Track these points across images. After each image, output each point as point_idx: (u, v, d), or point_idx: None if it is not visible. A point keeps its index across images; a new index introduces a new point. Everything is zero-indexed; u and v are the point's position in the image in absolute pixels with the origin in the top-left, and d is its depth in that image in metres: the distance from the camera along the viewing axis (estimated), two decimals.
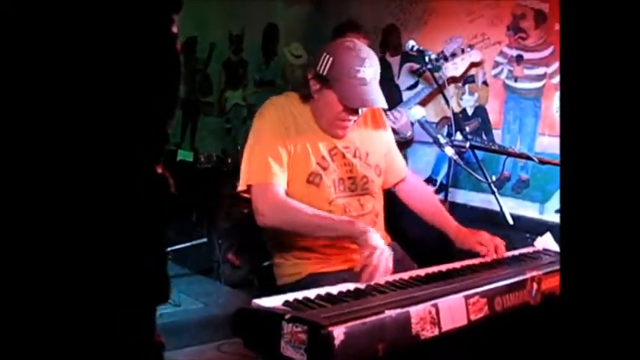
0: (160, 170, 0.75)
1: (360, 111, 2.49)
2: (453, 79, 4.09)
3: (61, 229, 0.71)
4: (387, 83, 4.34)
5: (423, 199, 2.87)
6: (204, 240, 5.01)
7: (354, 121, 2.53)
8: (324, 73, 2.43)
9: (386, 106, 2.54)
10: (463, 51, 4.01)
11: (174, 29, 0.74)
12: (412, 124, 3.93)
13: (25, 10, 0.66)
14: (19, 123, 0.69)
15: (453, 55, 4.01)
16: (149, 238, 0.77)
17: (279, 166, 2.42)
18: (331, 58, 2.43)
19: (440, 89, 3.96)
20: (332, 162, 2.53)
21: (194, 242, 4.97)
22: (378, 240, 2.17)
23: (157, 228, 0.78)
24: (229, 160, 5.26)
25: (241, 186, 2.48)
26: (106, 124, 0.71)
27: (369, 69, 2.41)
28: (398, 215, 2.90)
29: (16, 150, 0.68)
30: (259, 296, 1.78)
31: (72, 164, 0.70)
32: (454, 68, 3.97)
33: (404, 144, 4.15)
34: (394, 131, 3.91)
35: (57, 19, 0.67)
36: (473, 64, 4.03)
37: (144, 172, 0.75)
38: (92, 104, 0.70)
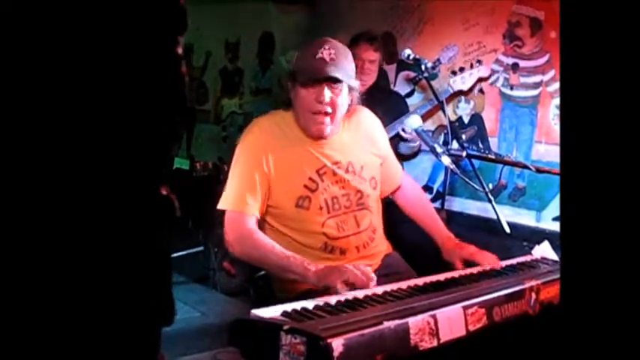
0: (164, 192, 0.75)
1: (326, 96, 2.38)
2: (460, 93, 4.11)
3: (65, 249, 0.70)
4: (387, 92, 4.35)
5: (417, 204, 2.84)
6: (201, 248, 5.00)
7: (330, 116, 2.43)
8: (291, 68, 2.49)
9: (354, 84, 2.47)
10: (472, 66, 4.03)
11: (180, 50, 0.74)
12: None
13: (33, 28, 0.66)
14: (19, 138, 0.68)
15: (462, 69, 4.02)
16: (153, 259, 0.76)
17: (252, 196, 2.41)
18: (296, 54, 2.51)
19: (442, 105, 3.97)
20: (321, 182, 2.47)
21: (190, 250, 4.96)
22: (336, 273, 2.11)
23: (161, 249, 0.77)
24: (225, 168, 5.24)
25: (219, 205, 2.48)
26: (110, 145, 0.71)
27: (328, 51, 2.39)
28: (396, 224, 2.89)
29: (17, 168, 0.67)
30: (255, 305, 1.77)
31: (76, 187, 0.70)
32: (462, 82, 3.99)
33: (411, 155, 4.17)
34: (406, 141, 3.93)
35: (63, 39, 0.66)
36: (480, 79, 4.04)
37: (148, 194, 0.74)
38: (96, 125, 0.70)
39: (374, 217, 2.61)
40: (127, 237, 0.74)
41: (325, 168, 2.49)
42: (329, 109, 2.41)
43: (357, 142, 2.62)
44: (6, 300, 0.69)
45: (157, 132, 0.74)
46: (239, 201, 2.41)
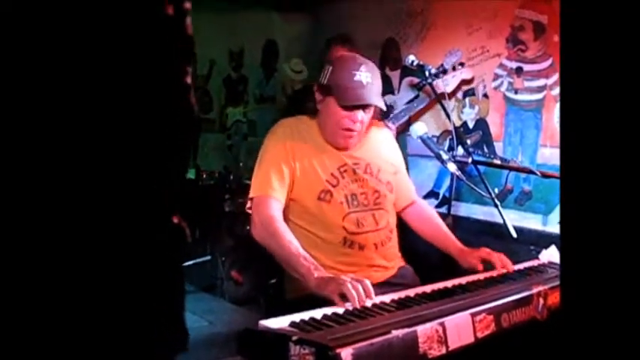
0: (176, 220, 0.75)
1: (360, 116, 2.51)
2: (443, 96, 4.10)
3: (79, 279, 0.70)
4: None
5: (427, 221, 2.89)
6: (208, 257, 5.00)
7: (359, 132, 2.56)
8: (325, 81, 2.56)
9: (384, 107, 2.60)
10: (454, 68, 4.04)
11: (189, 80, 0.74)
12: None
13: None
14: (31, 166, 0.68)
15: (444, 71, 4.03)
16: (166, 287, 0.76)
17: (279, 181, 2.50)
18: (331, 67, 2.57)
19: (430, 105, 4.00)
20: (342, 178, 2.56)
21: (198, 260, 4.96)
22: (333, 284, 2.04)
23: (174, 278, 0.77)
24: (231, 177, 5.25)
25: (248, 202, 2.57)
26: (123, 176, 0.71)
27: (366, 74, 2.50)
28: (405, 237, 2.89)
29: (28, 197, 0.68)
30: (264, 314, 1.77)
31: (89, 217, 0.70)
32: (445, 85, 4.00)
33: None
34: None
35: (74, 71, 0.67)
36: (464, 81, 4.06)
37: (160, 222, 0.74)
38: (109, 156, 0.70)
39: (391, 218, 2.69)
40: (139, 266, 0.74)
41: (346, 166, 2.60)
42: (358, 127, 2.55)
43: (373, 148, 2.73)
44: (22, 328, 0.69)
45: (167, 161, 0.74)
46: (265, 186, 2.50)
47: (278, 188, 2.49)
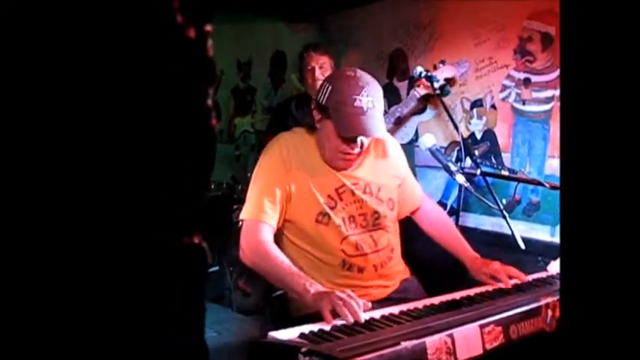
0: (197, 240, 0.76)
1: (359, 141, 2.40)
2: (428, 96, 4.09)
3: (96, 306, 0.71)
4: None
5: (440, 225, 2.85)
6: (216, 268, 5.00)
7: (359, 154, 2.47)
8: (324, 102, 2.41)
9: (383, 137, 2.50)
10: (435, 67, 4.02)
11: (209, 102, 0.75)
12: None
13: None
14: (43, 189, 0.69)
15: (427, 71, 4.00)
16: (187, 311, 0.77)
17: (271, 205, 2.42)
18: (330, 87, 2.40)
19: (417, 107, 4.02)
20: (340, 200, 2.49)
21: None
22: (326, 299, 2.00)
23: (195, 300, 0.77)
24: (239, 187, 5.26)
25: (240, 216, 2.51)
26: (143, 198, 0.71)
27: (367, 98, 2.33)
28: (411, 245, 2.88)
29: (41, 219, 0.68)
30: (271, 324, 1.78)
31: (109, 242, 0.71)
32: (428, 85, 3.98)
33: None
34: None
35: (93, 96, 0.68)
36: (446, 80, 4.04)
37: (181, 243, 0.75)
38: (130, 178, 0.70)
39: (391, 237, 2.63)
40: (159, 290, 0.74)
41: (344, 187, 2.51)
42: (358, 151, 2.43)
43: (376, 163, 2.63)
44: (35, 343, 0.70)
45: (187, 182, 0.75)
46: (257, 210, 2.42)
47: (270, 213, 2.42)
